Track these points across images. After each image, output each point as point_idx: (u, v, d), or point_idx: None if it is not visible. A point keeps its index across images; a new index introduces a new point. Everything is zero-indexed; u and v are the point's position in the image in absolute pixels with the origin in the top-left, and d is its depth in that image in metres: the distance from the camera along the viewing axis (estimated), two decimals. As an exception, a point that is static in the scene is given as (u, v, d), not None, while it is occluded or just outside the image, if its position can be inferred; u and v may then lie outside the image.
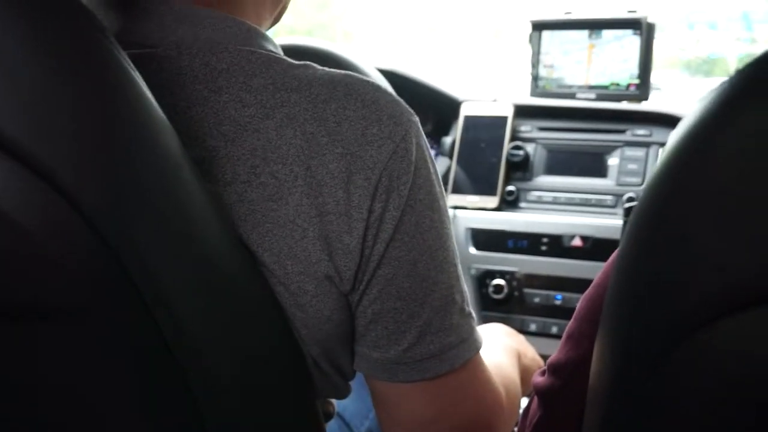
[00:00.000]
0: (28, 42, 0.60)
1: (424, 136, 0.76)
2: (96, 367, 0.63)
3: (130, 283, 0.62)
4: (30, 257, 0.59)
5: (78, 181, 0.60)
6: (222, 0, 0.77)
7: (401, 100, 0.76)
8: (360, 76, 0.75)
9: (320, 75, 0.73)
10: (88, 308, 0.61)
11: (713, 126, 0.50)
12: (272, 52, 0.77)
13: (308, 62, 0.75)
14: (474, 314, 0.80)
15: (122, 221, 0.61)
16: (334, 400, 0.97)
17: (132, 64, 0.65)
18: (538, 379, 0.80)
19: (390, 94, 0.75)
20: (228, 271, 0.69)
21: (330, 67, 0.76)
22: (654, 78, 1.82)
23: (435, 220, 0.75)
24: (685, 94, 2.14)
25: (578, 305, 0.75)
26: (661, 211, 0.52)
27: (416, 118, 0.76)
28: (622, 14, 1.81)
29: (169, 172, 0.65)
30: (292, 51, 1.61)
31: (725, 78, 0.51)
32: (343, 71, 0.75)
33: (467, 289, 0.79)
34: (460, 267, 0.78)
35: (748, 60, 0.50)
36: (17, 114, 0.59)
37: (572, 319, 0.75)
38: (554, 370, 0.77)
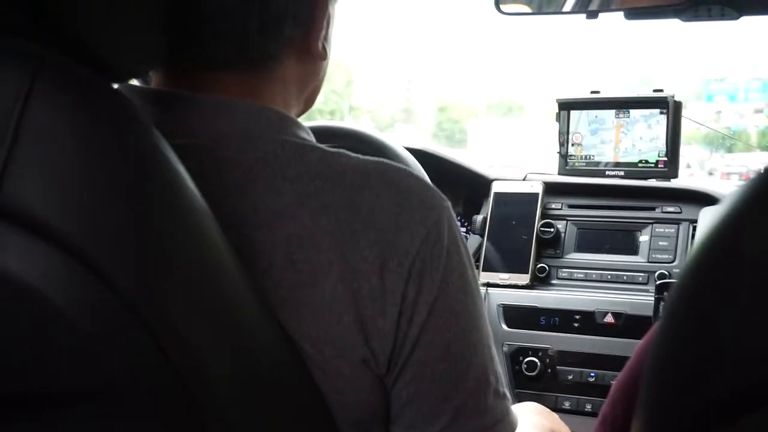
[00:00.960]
0: (76, 134, 0.62)
1: (456, 221, 0.77)
2: None
3: (172, 369, 0.62)
4: (67, 340, 0.60)
5: (120, 267, 0.61)
6: (252, 91, 0.79)
7: (433, 186, 0.77)
8: (392, 163, 0.77)
9: (354, 163, 0.75)
10: (126, 393, 0.62)
11: (753, 213, 0.50)
12: (305, 139, 0.79)
13: (341, 149, 0.77)
14: (509, 395, 0.80)
15: (162, 307, 0.62)
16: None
17: (174, 153, 0.67)
18: None
19: (422, 180, 0.77)
20: (269, 357, 0.69)
21: (361, 148, 0.78)
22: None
23: (468, 303, 0.76)
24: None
25: (611, 389, 0.75)
26: (695, 297, 0.52)
27: (448, 203, 0.77)
28: (647, 93, 1.83)
29: (210, 257, 0.66)
30: (323, 133, 1.64)
31: (746, 153, 0.51)
32: (375, 159, 0.77)
33: (500, 366, 0.80)
34: (494, 348, 0.79)
35: None
36: (59, 200, 0.61)
37: (605, 404, 0.75)
38: None
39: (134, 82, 0.83)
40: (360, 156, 0.76)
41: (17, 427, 0.62)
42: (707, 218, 1.66)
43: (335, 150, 0.77)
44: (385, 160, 0.77)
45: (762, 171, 0.51)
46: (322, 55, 0.83)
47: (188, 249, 0.65)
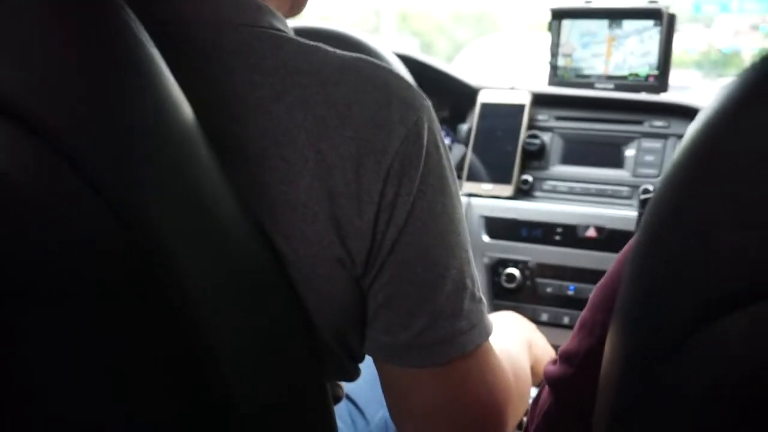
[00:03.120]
0: (48, 14, 0.60)
1: (437, 121, 0.76)
2: (105, 345, 0.64)
3: (143, 257, 0.61)
4: (45, 233, 0.59)
5: (91, 150, 0.59)
6: None
7: (413, 84, 0.75)
8: (372, 59, 0.75)
9: (331, 58, 0.73)
10: (104, 287, 0.61)
11: (730, 119, 0.50)
12: (282, 31, 0.76)
13: (319, 44, 0.75)
14: (485, 301, 0.80)
15: (135, 194, 0.61)
16: (344, 384, 0.97)
17: (150, 39, 0.64)
18: (549, 367, 0.79)
19: (402, 78, 0.75)
20: (242, 250, 0.68)
21: (345, 49, 0.75)
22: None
23: (447, 205, 0.74)
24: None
25: (592, 294, 0.75)
26: (678, 202, 0.52)
27: (428, 103, 0.75)
28: (643, 4, 1.79)
29: (186, 147, 0.64)
30: (309, 34, 1.60)
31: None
32: (354, 54, 0.75)
33: (480, 277, 0.79)
34: (471, 252, 0.78)
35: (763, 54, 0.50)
36: (31, 83, 0.59)
37: (586, 308, 0.75)
38: (566, 358, 0.76)
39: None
40: (339, 51, 0.74)
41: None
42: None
43: (313, 44, 0.74)
44: (364, 57, 0.75)
45: (741, 74, 0.51)
46: None
47: (163, 136, 0.63)
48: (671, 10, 1.75)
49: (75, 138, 0.59)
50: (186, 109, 0.65)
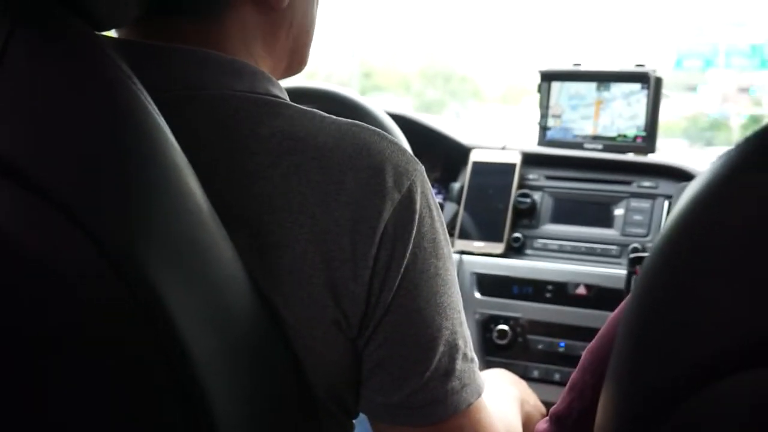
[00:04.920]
0: (54, 79, 0.62)
1: (429, 185, 0.77)
2: (103, 398, 0.64)
3: (143, 316, 0.62)
4: (44, 287, 0.60)
5: (95, 211, 0.61)
6: (209, 39, 0.78)
7: (407, 149, 0.77)
8: (366, 125, 0.77)
9: (327, 124, 0.75)
10: (101, 340, 0.62)
11: (723, 190, 0.51)
12: (278, 97, 0.78)
13: (315, 110, 0.76)
14: (477, 359, 0.81)
15: (136, 256, 0.61)
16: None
17: (156, 107, 0.66)
18: (541, 426, 0.80)
19: (395, 144, 0.76)
20: (241, 310, 0.69)
21: (340, 111, 0.77)
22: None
23: (440, 268, 0.76)
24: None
25: (582, 356, 0.76)
26: (671, 269, 0.53)
27: (422, 167, 0.77)
28: (630, 68, 1.83)
29: (189, 209, 0.66)
30: (304, 95, 1.62)
31: (726, 146, 0.52)
32: (350, 120, 0.76)
33: (472, 333, 0.81)
34: (463, 313, 0.80)
35: (751, 127, 0.51)
36: (40, 146, 0.61)
37: (576, 370, 0.76)
38: (558, 419, 0.77)
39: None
40: (334, 117, 0.76)
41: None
42: (685, 188, 1.66)
43: (309, 110, 0.76)
44: (359, 123, 0.77)
45: (736, 146, 0.52)
46: (279, 3, 0.81)
47: (165, 198, 0.64)
48: (657, 74, 1.79)
49: (79, 201, 0.60)
50: (190, 173, 0.67)
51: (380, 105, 1.75)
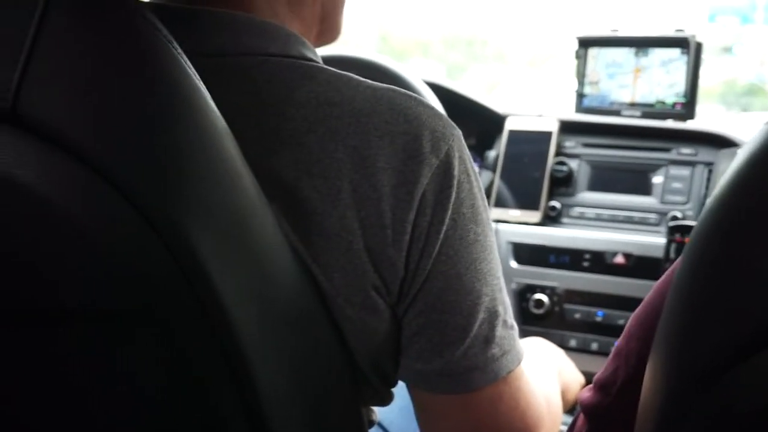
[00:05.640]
0: (94, 44, 0.62)
1: (467, 150, 0.77)
2: (150, 368, 0.65)
3: (188, 286, 0.62)
4: (89, 257, 0.60)
5: (138, 178, 0.60)
6: (241, 3, 0.78)
7: (444, 114, 0.76)
8: (402, 90, 0.76)
9: (363, 88, 0.74)
10: (146, 310, 0.62)
11: None
12: (313, 60, 0.78)
13: (351, 74, 0.76)
14: (516, 326, 0.80)
15: (178, 221, 0.61)
16: (377, 409, 0.98)
17: (195, 72, 0.66)
18: (585, 395, 0.80)
19: (432, 108, 0.76)
20: (282, 277, 0.69)
21: (375, 78, 0.76)
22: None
23: (479, 233, 0.76)
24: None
25: (628, 323, 0.75)
26: (720, 236, 0.52)
27: (459, 132, 0.76)
28: (669, 32, 1.80)
29: (228, 175, 0.65)
30: (339, 62, 1.62)
31: (764, 111, 0.51)
32: (385, 85, 0.76)
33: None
34: (502, 279, 0.79)
35: None
36: (76, 110, 0.60)
37: (621, 337, 0.75)
38: (602, 386, 0.77)
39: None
40: (369, 82, 0.75)
41: (32, 343, 0.63)
42: (725, 155, 1.65)
43: (344, 73, 0.75)
44: (395, 88, 0.76)
45: None
46: None
47: (207, 165, 0.64)
48: (697, 39, 1.76)
49: (124, 167, 0.60)
50: (230, 140, 0.66)
51: (415, 72, 1.74)
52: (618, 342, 0.76)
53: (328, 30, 0.89)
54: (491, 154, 1.89)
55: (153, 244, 0.61)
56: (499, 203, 1.84)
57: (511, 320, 0.79)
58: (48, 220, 0.59)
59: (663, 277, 0.71)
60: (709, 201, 0.55)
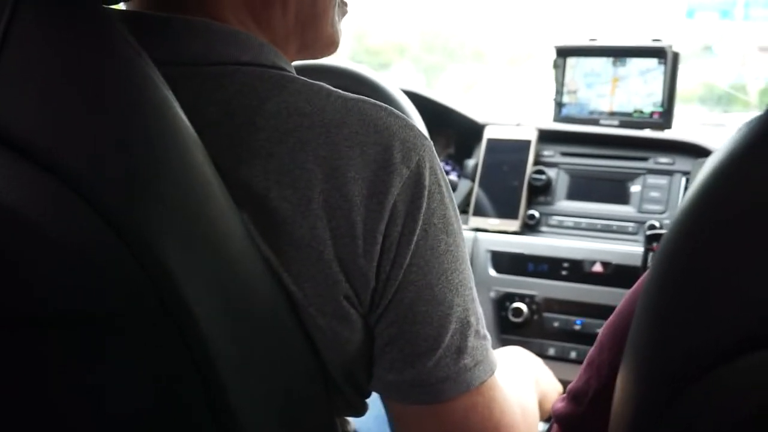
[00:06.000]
0: (61, 52, 0.61)
1: (438, 160, 0.77)
2: (120, 376, 0.64)
3: (156, 294, 0.62)
4: (57, 266, 0.60)
5: (106, 188, 0.60)
6: (211, 7, 0.78)
7: (415, 125, 0.76)
8: (373, 101, 0.76)
9: (334, 99, 0.74)
10: (115, 318, 0.62)
11: (742, 164, 0.50)
12: (284, 70, 0.77)
13: (322, 84, 0.75)
14: (489, 336, 0.80)
15: (147, 232, 0.61)
16: (352, 420, 0.98)
17: (165, 81, 0.66)
18: (558, 405, 0.80)
19: (403, 119, 0.75)
20: (253, 288, 0.69)
21: (353, 88, 0.76)
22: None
23: (450, 244, 0.75)
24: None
25: (600, 333, 0.75)
26: (689, 245, 0.52)
27: (430, 143, 0.76)
28: (646, 42, 1.81)
29: (197, 185, 0.65)
30: (318, 71, 1.61)
31: (745, 112, 0.51)
32: (357, 96, 0.75)
33: (487, 311, 0.80)
34: (474, 289, 0.79)
35: None
36: (49, 122, 0.60)
37: (593, 346, 0.75)
38: (574, 396, 0.77)
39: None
40: (340, 92, 0.75)
41: (10, 350, 0.62)
42: (702, 164, 1.65)
43: (315, 83, 0.75)
44: (366, 98, 0.76)
45: (755, 118, 0.51)
46: None
47: (174, 173, 0.63)
48: (674, 49, 1.77)
49: (90, 176, 0.60)
50: (200, 150, 0.66)
51: (393, 81, 1.74)
52: (590, 351, 0.76)
53: (314, 42, 0.88)
54: (470, 162, 1.89)
55: (120, 253, 0.60)
56: (478, 212, 1.84)
57: (484, 330, 0.79)
58: (14, 229, 0.58)
59: (634, 287, 0.71)
60: (677, 210, 0.55)
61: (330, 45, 0.90)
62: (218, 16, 0.78)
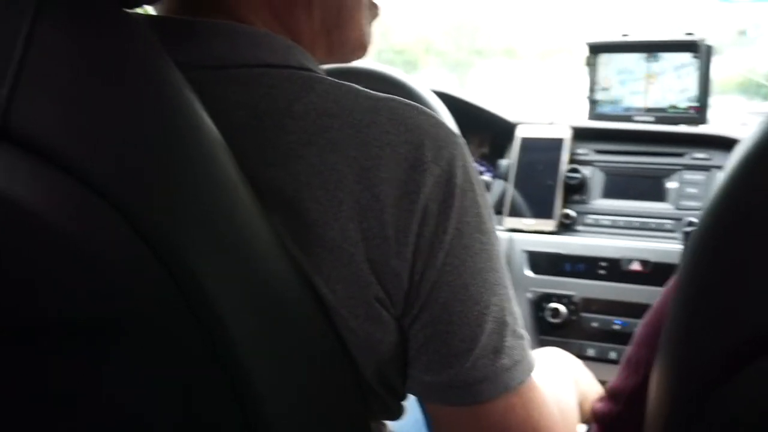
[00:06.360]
0: (85, 58, 0.61)
1: (470, 158, 0.76)
2: (144, 379, 0.64)
3: (182, 299, 0.61)
4: (83, 271, 0.59)
5: (135, 196, 0.60)
6: (239, 12, 0.77)
7: (445, 123, 0.75)
8: (403, 99, 0.75)
9: (362, 99, 0.73)
10: (139, 322, 0.62)
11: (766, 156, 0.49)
12: (312, 71, 0.77)
13: (350, 84, 0.75)
14: (527, 336, 0.79)
15: (173, 236, 0.61)
16: (389, 424, 0.97)
17: (188, 85, 0.65)
18: (597, 405, 0.79)
19: (433, 117, 0.75)
20: (283, 293, 0.68)
21: (384, 89, 0.75)
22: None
23: (484, 242, 0.74)
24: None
25: (637, 331, 0.74)
26: (719, 240, 0.51)
27: (461, 140, 0.75)
28: (679, 36, 1.79)
29: (224, 189, 0.65)
30: (339, 72, 1.61)
31: None
32: (385, 95, 0.74)
33: (524, 312, 0.79)
34: (511, 288, 0.78)
35: None
36: (68, 125, 0.60)
37: (631, 346, 0.74)
38: (613, 395, 0.76)
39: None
40: (369, 91, 0.74)
41: (33, 357, 0.62)
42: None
43: (343, 83, 0.74)
44: (395, 97, 0.75)
45: None
46: None
47: (202, 179, 0.63)
48: (708, 42, 1.74)
49: (115, 181, 0.59)
50: (225, 153, 0.66)
51: (425, 83, 1.73)
52: (628, 350, 0.75)
53: (342, 45, 0.88)
54: (504, 162, 1.87)
55: (146, 257, 0.60)
56: (514, 212, 1.82)
57: (521, 330, 0.78)
58: (39, 236, 0.58)
59: (670, 284, 0.70)
60: (705, 205, 0.54)
61: (358, 48, 0.89)
62: (244, 19, 0.77)
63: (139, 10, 0.77)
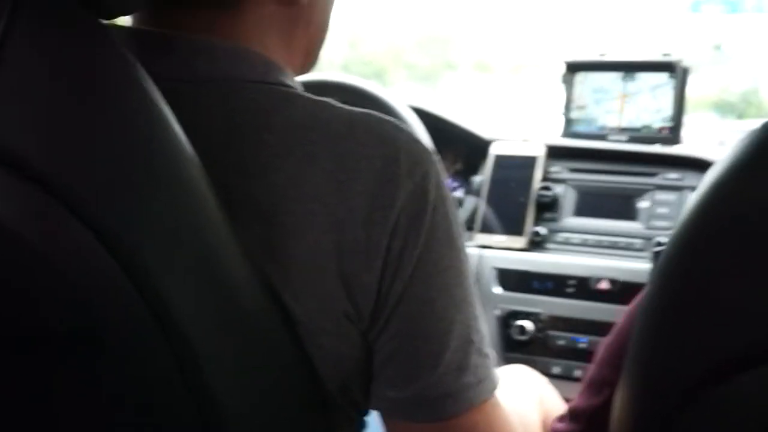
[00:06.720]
0: (58, 70, 0.61)
1: (442, 175, 0.76)
2: (110, 393, 0.63)
3: (148, 311, 0.61)
4: (47, 281, 0.59)
5: (100, 206, 0.59)
6: (227, 31, 0.77)
7: (421, 139, 0.76)
8: (379, 114, 0.75)
9: (339, 113, 0.73)
10: (107, 335, 0.61)
11: (740, 179, 0.49)
12: (290, 87, 0.77)
13: (327, 99, 0.75)
14: (492, 354, 0.79)
15: (141, 251, 0.60)
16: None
17: (162, 98, 0.65)
18: (557, 425, 0.79)
19: (409, 133, 0.75)
20: (249, 309, 0.68)
21: (359, 104, 0.76)
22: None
23: (453, 259, 0.74)
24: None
25: (599, 352, 0.74)
26: (689, 260, 0.51)
27: (435, 157, 0.75)
28: (656, 57, 1.80)
29: (194, 206, 0.64)
30: (324, 87, 1.61)
31: (759, 119, 0.50)
32: (362, 109, 0.75)
33: (492, 329, 0.79)
34: (477, 307, 0.78)
35: None
36: (39, 137, 0.59)
37: (593, 367, 0.74)
38: (574, 416, 0.76)
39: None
40: (346, 106, 0.75)
41: (6, 368, 0.62)
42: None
43: (321, 99, 0.75)
44: (373, 112, 0.75)
45: (752, 132, 0.50)
46: None
47: (170, 197, 0.63)
48: (685, 63, 1.76)
49: (82, 191, 0.59)
50: (198, 168, 0.65)
51: (401, 97, 1.73)
52: (590, 370, 0.75)
53: (309, 62, 0.89)
54: (477, 179, 1.87)
55: (115, 273, 0.59)
56: (485, 229, 1.82)
57: (486, 348, 0.78)
58: (9, 249, 0.57)
59: (632, 304, 0.70)
60: (675, 226, 0.54)
61: (315, 64, 0.91)
62: (238, 37, 0.77)
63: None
